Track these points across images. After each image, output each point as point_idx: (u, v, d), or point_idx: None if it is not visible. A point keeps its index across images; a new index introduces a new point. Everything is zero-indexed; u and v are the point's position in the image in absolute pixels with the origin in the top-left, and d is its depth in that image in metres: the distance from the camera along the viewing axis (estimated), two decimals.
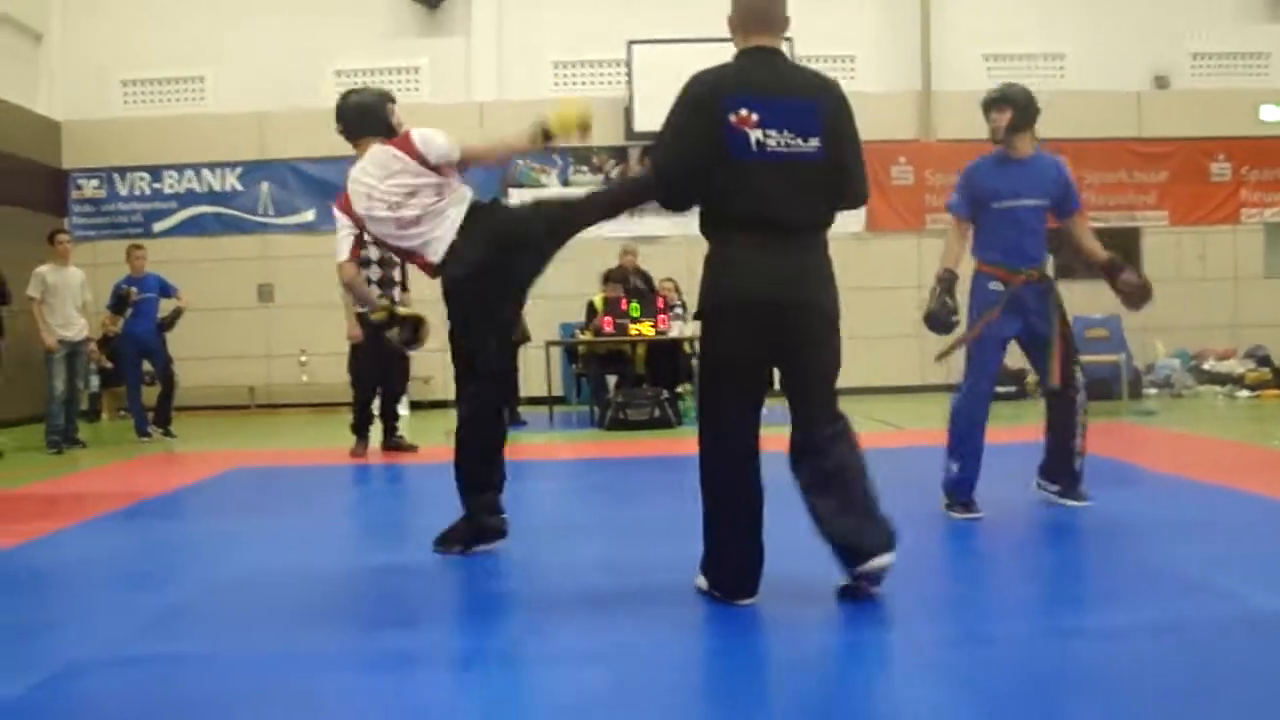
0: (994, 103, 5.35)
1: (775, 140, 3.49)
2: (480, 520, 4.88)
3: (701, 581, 3.83)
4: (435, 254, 4.73)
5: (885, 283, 14.42)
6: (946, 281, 5.34)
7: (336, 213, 4.97)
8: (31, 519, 6.11)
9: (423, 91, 14.85)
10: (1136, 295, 5.40)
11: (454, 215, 4.73)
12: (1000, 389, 13.03)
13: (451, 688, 3.01)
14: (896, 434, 9.81)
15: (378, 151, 4.86)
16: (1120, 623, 3.41)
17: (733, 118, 3.47)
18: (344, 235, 4.94)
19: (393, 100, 5.24)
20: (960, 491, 5.38)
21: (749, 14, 3.67)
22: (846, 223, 14.40)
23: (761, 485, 3.69)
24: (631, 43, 13.92)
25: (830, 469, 3.64)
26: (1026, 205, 5.26)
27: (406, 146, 4.79)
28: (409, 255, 4.93)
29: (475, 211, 4.76)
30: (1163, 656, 3.04)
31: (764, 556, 3.68)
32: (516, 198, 14.38)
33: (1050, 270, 5.53)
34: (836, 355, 3.74)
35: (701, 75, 3.64)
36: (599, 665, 3.17)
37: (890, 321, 14.49)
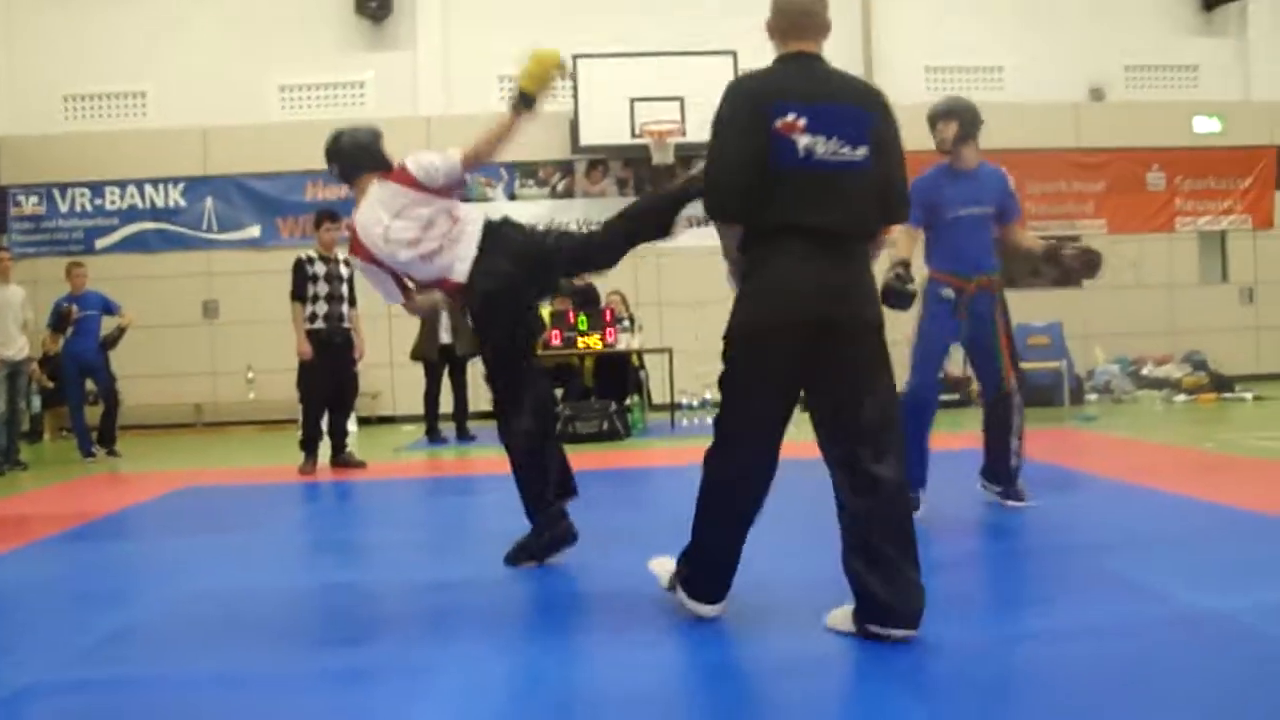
0: (941, 115, 5.50)
1: (823, 148, 3.32)
2: (549, 532, 4.83)
3: (660, 573, 3.86)
4: (461, 274, 4.67)
5: None
6: (901, 263, 5.25)
7: (355, 260, 4.94)
8: None
9: (368, 106, 14.79)
10: (1087, 263, 5.53)
11: (471, 233, 4.72)
12: (944, 396, 13.29)
13: (403, 703, 3.03)
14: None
15: (378, 190, 4.81)
16: (1063, 625, 3.50)
17: (779, 124, 3.31)
18: (382, 281, 4.89)
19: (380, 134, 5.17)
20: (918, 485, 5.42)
21: (790, 18, 3.50)
22: None
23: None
24: (577, 56, 13.94)
25: (883, 513, 3.38)
26: (975, 214, 5.43)
27: (405, 179, 4.75)
28: (436, 284, 4.86)
29: (491, 228, 4.78)
30: (1104, 657, 3.12)
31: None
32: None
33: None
34: (892, 379, 3.56)
35: (744, 80, 3.54)
36: (549, 683, 3.21)
37: None
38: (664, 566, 3.87)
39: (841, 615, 3.47)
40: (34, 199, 14.60)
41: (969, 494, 5.90)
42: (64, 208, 14.64)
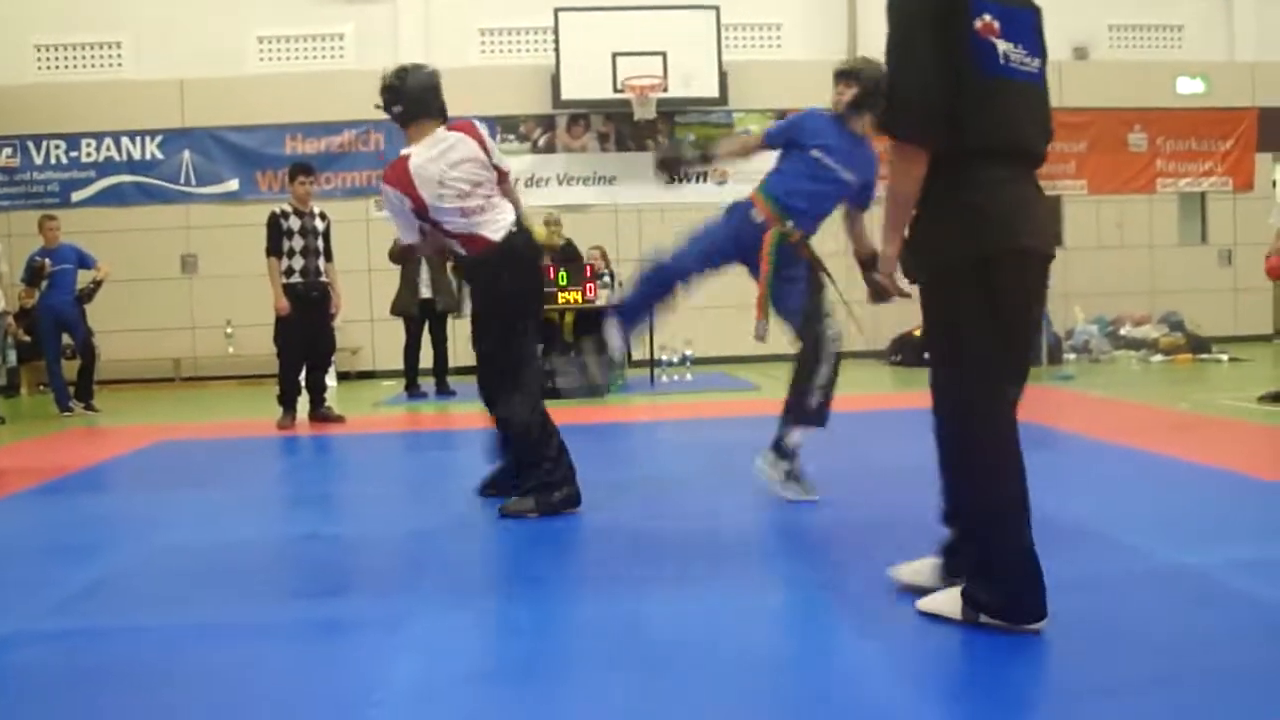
0: (843, 75, 4.99)
1: (1015, 56, 2.93)
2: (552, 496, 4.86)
3: (946, 607, 3.10)
4: (497, 234, 4.82)
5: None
6: (704, 145, 5.07)
7: (389, 190, 4.81)
8: None
9: (347, 58, 14.69)
10: (880, 292, 5.31)
11: (508, 207, 4.93)
12: (925, 355, 13.36)
13: (381, 654, 3.04)
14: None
15: (444, 136, 4.83)
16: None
17: (979, 23, 2.86)
18: (404, 215, 4.85)
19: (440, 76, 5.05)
20: (624, 317, 5.34)
21: None
22: None
23: None
24: (558, 10, 13.85)
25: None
26: (836, 175, 4.97)
27: (477, 135, 4.86)
28: (464, 238, 4.87)
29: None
30: (1081, 611, 3.14)
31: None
32: None
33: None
34: None
35: None
36: (523, 633, 3.23)
37: None
38: (944, 603, 3.12)
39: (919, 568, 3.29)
40: (7, 151, 14.44)
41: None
42: (39, 160, 14.49)
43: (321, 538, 4.71)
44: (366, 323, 13.88)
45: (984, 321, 2.93)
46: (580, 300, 10.97)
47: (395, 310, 11.02)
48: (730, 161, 5.40)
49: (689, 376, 11.94)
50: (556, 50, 13.93)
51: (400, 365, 11.23)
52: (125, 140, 14.55)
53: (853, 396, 10.24)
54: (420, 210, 4.77)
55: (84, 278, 10.69)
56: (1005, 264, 2.90)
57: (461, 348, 11.93)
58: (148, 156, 14.56)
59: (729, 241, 5.14)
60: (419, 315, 10.91)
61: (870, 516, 4.65)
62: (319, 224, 8.79)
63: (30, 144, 14.44)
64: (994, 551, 2.98)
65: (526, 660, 2.99)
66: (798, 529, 4.56)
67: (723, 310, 14.59)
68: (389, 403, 10.85)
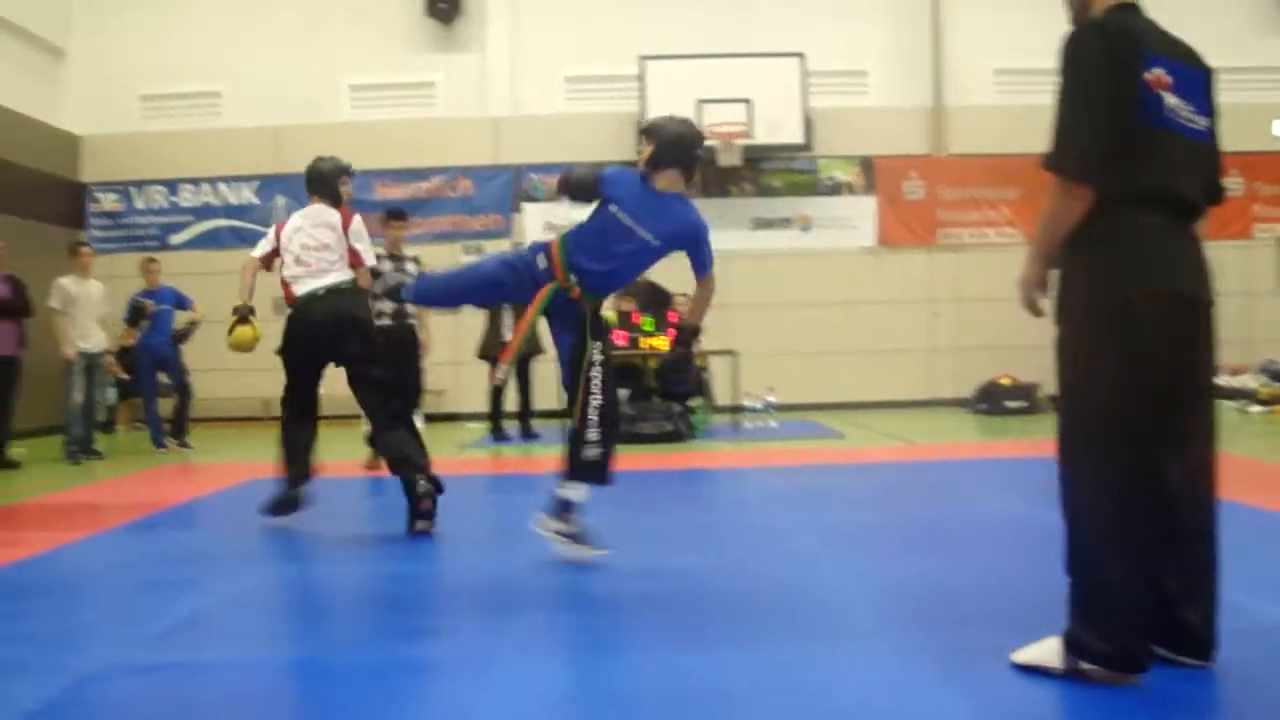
0: (643, 132, 5.06)
1: (1183, 112, 2.99)
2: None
3: (1046, 656, 3.09)
4: (321, 281, 6.09)
5: (895, 297, 14.51)
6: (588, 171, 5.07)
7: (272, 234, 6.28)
8: (51, 528, 6.19)
9: (437, 106, 14.97)
10: (667, 370, 5.23)
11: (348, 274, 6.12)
12: (1010, 403, 13.15)
13: (463, 696, 3.05)
14: (907, 448, 9.82)
15: (320, 209, 6.21)
16: None
17: (1149, 76, 2.93)
18: (263, 244, 6.36)
19: (350, 174, 6.47)
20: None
21: None
22: (856, 237, 14.55)
23: None
24: (644, 57, 14.00)
25: (1199, 528, 3.06)
26: (634, 232, 4.86)
27: (347, 219, 6.16)
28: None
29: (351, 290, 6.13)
30: (1181, 669, 3.06)
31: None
32: (530, 212, 14.57)
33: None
34: None
35: (1106, 26, 3.00)
36: (606, 679, 3.22)
37: (900, 336, 14.60)
38: (1043, 652, 3.11)
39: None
40: (112, 196, 14.94)
41: (1047, 502, 5.81)
42: (140, 204, 14.97)
43: (408, 578, 4.76)
44: (452, 365, 14.05)
45: (1119, 369, 2.93)
46: (665, 346, 11.00)
47: (481, 354, 11.14)
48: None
49: (773, 423, 11.88)
50: (642, 97, 14.07)
51: (485, 408, 11.33)
52: (222, 185, 14.97)
53: (939, 445, 10.13)
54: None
55: (181, 319, 10.97)
56: (1148, 308, 2.90)
57: (544, 391, 12.06)
58: (243, 201, 14.96)
59: (508, 276, 5.06)
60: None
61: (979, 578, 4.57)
62: (410, 267, 8.93)
63: (133, 189, 14.93)
64: (1100, 599, 2.94)
65: (610, 709, 2.99)
66: (892, 583, 4.50)
67: (806, 356, 14.60)
68: (474, 445, 10.95)
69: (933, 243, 14.73)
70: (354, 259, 6.09)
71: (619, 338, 10.98)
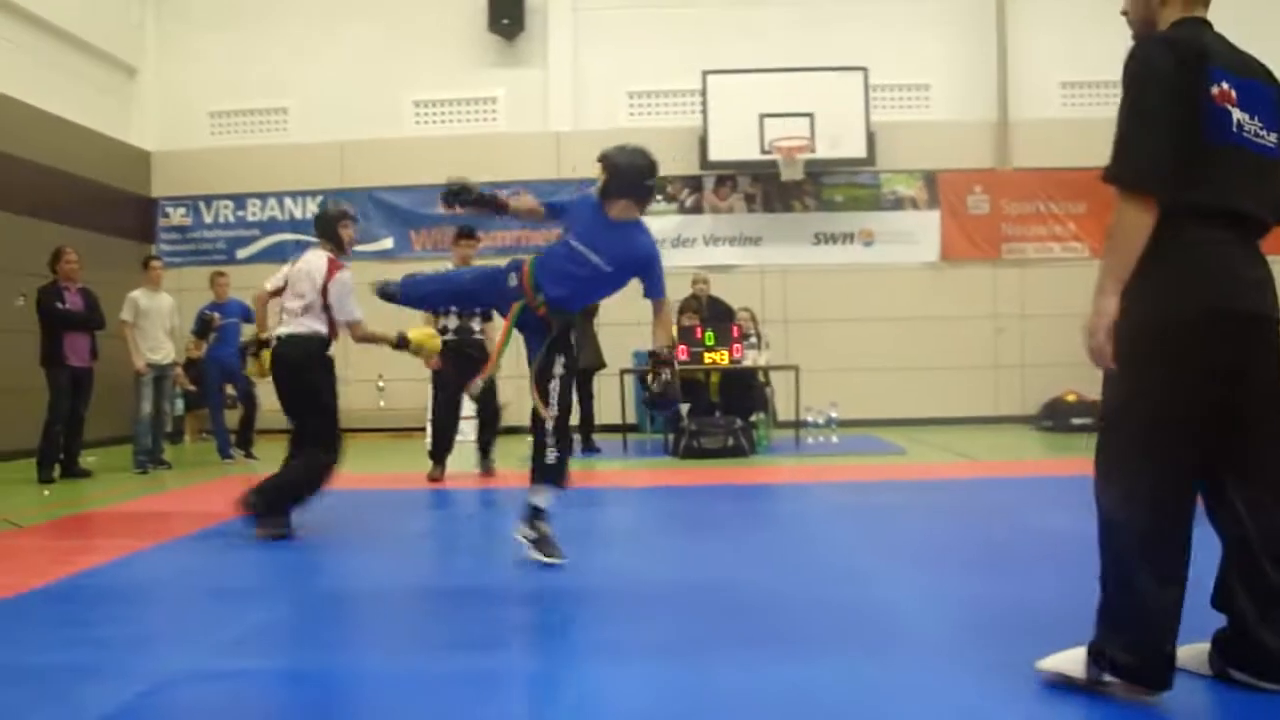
0: (599, 159, 5.20)
1: (1249, 126, 2.92)
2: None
3: (1070, 665, 3.08)
4: (287, 328, 6.55)
5: (960, 312, 14.36)
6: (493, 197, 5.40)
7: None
8: (122, 536, 6.28)
9: (499, 122, 15.08)
10: (658, 397, 5.43)
11: (309, 325, 6.49)
12: (1076, 420, 12.94)
13: (534, 710, 3.05)
14: (971, 464, 9.71)
15: (316, 256, 6.52)
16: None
17: (1215, 91, 2.88)
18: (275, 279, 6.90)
19: (352, 218, 6.76)
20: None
21: None
22: (920, 252, 14.43)
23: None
24: (706, 73, 14.01)
25: (1272, 552, 2.96)
26: (588, 259, 5.10)
27: (331, 273, 6.42)
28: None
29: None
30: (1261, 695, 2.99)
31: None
32: None
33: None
34: None
35: (1173, 40, 2.95)
36: (672, 695, 3.20)
37: (965, 352, 14.44)
38: (1067, 661, 3.11)
39: (1193, 653, 3.11)
40: (181, 210, 15.21)
41: (1088, 518, 5.70)
42: (208, 219, 15.23)
43: (472, 590, 4.76)
44: (515, 379, 14.10)
45: (1167, 388, 2.86)
46: (727, 360, 10.99)
47: None
48: (524, 217, 5.59)
49: (835, 439, 11.80)
50: (704, 112, 14.08)
51: None
52: (288, 200, 15.19)
53: (1003, 462, 10.00)
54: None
55: (247, 331, 11.12)
56: (1204, 326, 2.84)
57: (608, 406, 12.08)
58: (308, 216, 15.09)
59: (484, 289, 5.59)
60: None
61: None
62: None
63: (201, 204, 15.19)
64: (1129, 612, 2.90)
65: None
66: (953, 600, 4.44)
67: (868, 372, 14.49)
68: None
69: (997, 257, 14.56)
70: (331, 321, 6.57)
71: (681, 352, 10.98)
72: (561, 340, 5.31)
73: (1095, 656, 2.97)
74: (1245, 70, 2.97)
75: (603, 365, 11.25)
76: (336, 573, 5.24)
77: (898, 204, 14.63)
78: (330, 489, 6.56)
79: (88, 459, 10.24)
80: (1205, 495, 3.01)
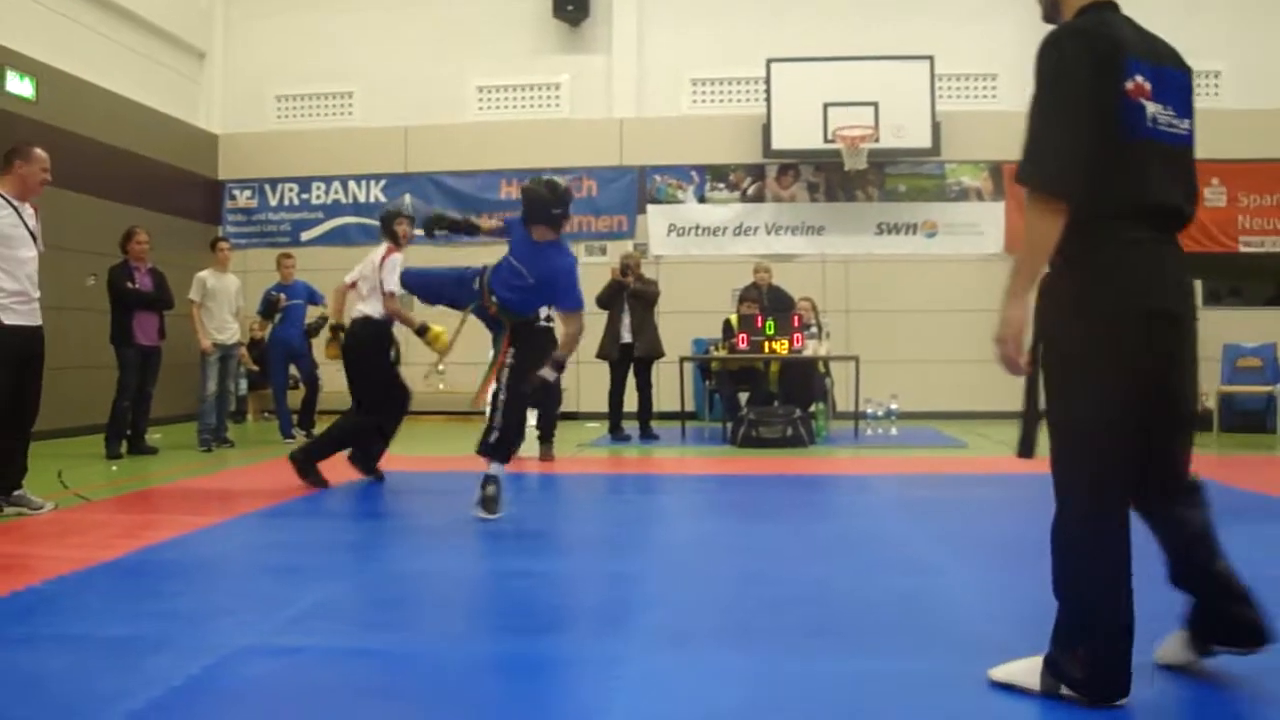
0: (520, 191, 6.26)
1: (1163, 118, 2.88)
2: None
3: (1023, 676, 3.04)
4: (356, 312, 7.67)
5: None
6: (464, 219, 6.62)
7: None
8: (187, 513, 6.37)
9: (563, 108, 15.10)
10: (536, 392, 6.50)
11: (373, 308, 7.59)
12: None
13: (595, 694, 3.05)
14: (1035, 460, 9.56)
15: (378, 249, 7.79)
16: (1252, 661, 3.29)
17: (1130, 85, 2.82)
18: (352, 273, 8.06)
19: (407, 216, 7.98)
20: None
21: None
22: (985, 244, 14.24)
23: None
24: (771, 61, 13.92)
25: (1203, 526, 3.05)
26: (522, 274, 6.15)
27: (386, 255, 7.59)
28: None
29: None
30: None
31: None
32: (653, 213, 14.59)
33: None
34: None
35: (1086, 30, 2.89)
36: (732, 682, 3.18)
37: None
38: (1021, 672, 3.06)
39: (1173, 646, 3.16)
40: (247, 193, 15.41)
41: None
42: (273, 201, 15.42)
43: (531, 574, 4.78)
44: (572, 365, 14.15)
45: (1104, 390, 2.84)
46: (787, 350, 10.93)
47: (600, 354, 11.20)
48: (492, 234, 6.59)
49: (894, 431, 11.69)
50: (768, 100, 14.00)
51: (604, 408, 11.40)
52: (352, 184, 15.32)
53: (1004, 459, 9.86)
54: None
55: (312, 313, 11.25)
56: (1133, 327, 2.83)
57: (667, 393, 12.07)
58: (371, 199, 15.27)
59: (454, 285, 6.53)
60: (621, 359, 11.06)
61: None
62: None
63: (266, 187, 15.38)
64: (1081, 622, 2.88)
65: (741, 710, 2.95)
66: (1013, 596, 4.38)
67: (929, 364, 14.34)
68: (593, 444, 11.00)
69: None
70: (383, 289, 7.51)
71: (741, 341, 10.95)
72: (516, 335, 6.32)
73: (1050, 668, 2.95)
74: (1158, 58, 2.92)
75: (661, 354, 11.24)
76: (394, 554, 5.28)
77: (962, 195, 14.45)
78: (388, 468, 6.62)
79: (154, 436, 10.42)
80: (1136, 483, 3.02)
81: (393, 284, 7.41)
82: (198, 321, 10.26)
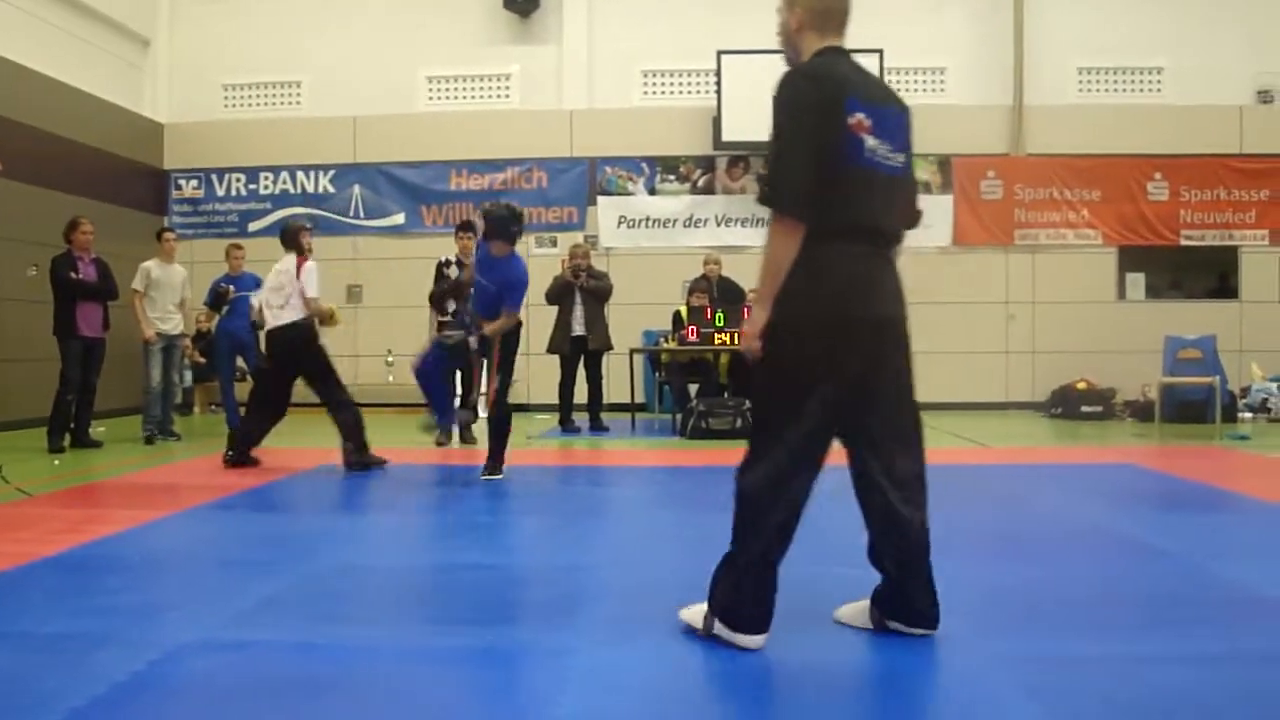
0: (480, 215, 7.54)
1: (880, 151, 3.27)
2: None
3: (694, 617, 3.54)
4: (278, 321, 8.28)
5: (971, 298, 14.32)
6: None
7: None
8: (131, 507, 6.31)
9: (513, 99, 15.04)
10: (452, 350, 7.90)
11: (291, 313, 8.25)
12: (1086, 408, 12.94)
13: (547, 685, 3.06)
14: (981, 450, 9.69)
15: (286, 261, 8.36)
16: (1215, 650, 3.36)
17: (851, 120, 3.21)
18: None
19: (308, 229, 8.63)
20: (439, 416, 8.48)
21: (827, 13, 3.43)
22: (933, 236, 14.38)
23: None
24: (721, 53, 13.94)
25: (913, 521, 3.42)
26: (486, 287, 7.43)
27: (301, 269, 8.25)
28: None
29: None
30: (1246, 683, 3.00)
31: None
32: (604, 205, 14.58)
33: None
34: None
35: (816, 73, 3.30)
36: (682, 673, 3.21)
37: (975, 337, 14.42)
38: (694, 614, 3.57)
39: (854, 610, 3.65)
40: (193, 183, 15.21)
41: (1123, 510, 5.71)
42: (220, 191, 15.23)
43: (481, 567, 4.78)
44: (522, 357, 14.10)
45: (803, 379, 3.26)
46: (737, 342, 10.96)
47: (551, 349, 11.21)
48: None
49: None
50: (719, 92, 14.02)
51: (554, 399, 11.40)
52: (300, 174, 15.18)
53: (1013, 449, 9.99)
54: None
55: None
56: (842, 330, 3.24)
57: (617, 385, 12.09)
58: (320, 190, 15.15)
59: (457, 356, 8.11)
60: (572, 353, 11.09)
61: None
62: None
63: (213, 176, 15.19)
64: (739, 563, 3.38)
65: (691, 699, 2.98)
66: (962, 588, 4.43)
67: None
68: (543, 436, 10.99)
69: (1010, 243, 14.52)
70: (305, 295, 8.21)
71: (691, 332, 10.98)
72: (497, 342, 7.57)
73: (711, 608, 3.44)
74: (880, 99, 3.33)
75: (611, 347, 11.26)
76: (344, 547, 5.25)
77: None
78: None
79: (98, 429, 10.27)
80: (851, 471, 3.48)
81: (311, 291, 8.21)
82: (140, 311, 10.15)
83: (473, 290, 7.69)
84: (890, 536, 3.44)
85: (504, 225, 7.24)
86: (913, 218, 3.54)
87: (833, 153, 3.20)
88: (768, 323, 3.29)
